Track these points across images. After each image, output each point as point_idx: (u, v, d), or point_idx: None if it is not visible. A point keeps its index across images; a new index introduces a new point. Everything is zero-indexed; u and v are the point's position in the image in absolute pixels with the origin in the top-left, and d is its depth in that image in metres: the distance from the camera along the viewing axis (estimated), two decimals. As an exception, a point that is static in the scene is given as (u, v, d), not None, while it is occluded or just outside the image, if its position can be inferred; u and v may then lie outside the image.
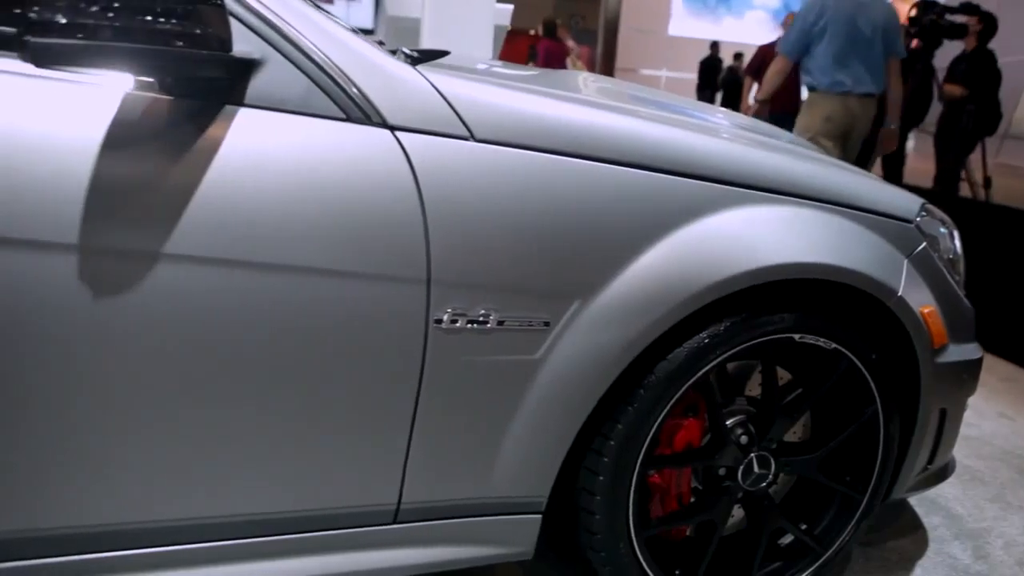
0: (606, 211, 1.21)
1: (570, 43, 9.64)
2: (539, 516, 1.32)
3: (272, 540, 1.19)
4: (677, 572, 1.47)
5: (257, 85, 1.05)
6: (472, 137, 1.14)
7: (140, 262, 1.00)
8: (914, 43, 5.51)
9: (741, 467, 1.45)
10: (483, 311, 1.15)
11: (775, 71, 4.09)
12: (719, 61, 12.70)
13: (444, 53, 1.59)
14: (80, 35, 0.86)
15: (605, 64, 16.32)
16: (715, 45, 12.85)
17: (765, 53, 6.64)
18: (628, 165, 1.23)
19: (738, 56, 13.19)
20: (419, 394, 1.16)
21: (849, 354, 1.45)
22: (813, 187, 1.41)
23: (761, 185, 1.34)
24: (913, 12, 5.33)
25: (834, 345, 1.43)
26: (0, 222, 0.93)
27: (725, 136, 1.44)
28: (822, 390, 1.48)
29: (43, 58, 0.87)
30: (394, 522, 1.24)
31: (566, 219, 1.18)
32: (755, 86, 6.33)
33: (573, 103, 1.29)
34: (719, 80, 12.30)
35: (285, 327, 1.07)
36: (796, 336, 1.39)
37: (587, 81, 1.99)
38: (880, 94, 3.99)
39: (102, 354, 1.01)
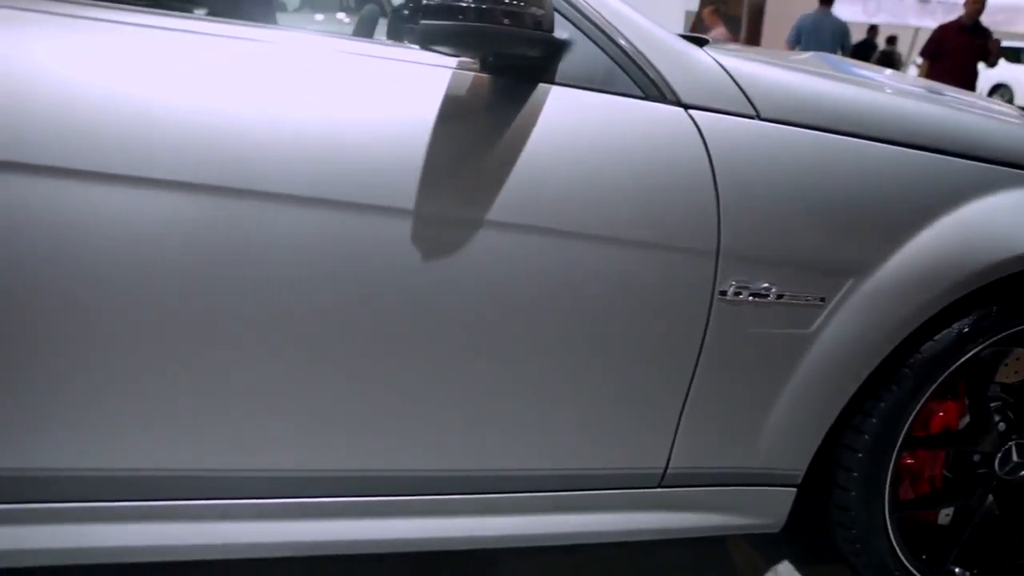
0: (884, 191, 1.21)
1: (720, 29, 9.45)
2: (794, 489, 1.35)
3: (545, 496, 1.27)
4: (924, 556, 1.46)
5: (567, 65, 1.13)
6: (758, 116, 1.17)
7: (462, 227, 1.09)
8: None
9: (999, 454, 1.42)
10: (765, 284, 1.18)
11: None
12: (874, 45, 12.17)
13: (704, 40, 1.63)
14: (459, 17, 0.96)
15: (749, 51, 15.83)
16: (873, 29, 12.36)
17: (943, 35, 6.27)
18: (906, 145, 1.23)
19: (891, 40, 12.57)
20: (698, 362, 1.21)
21: (1124, 344, 1.39)
22: None
23: None
24: None
25: (1109, 334, 1.37)
26: (350, 189, 1.05)
27: (994, 116, 1.41)
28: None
29: (428, 39, 0.98)
30: (659, 486, 1.30)
31: (846, 197, 1.20)
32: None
33: (848, 84, 1.30)
34: (871, 63, 11.81)
35: (582, 292, 1.14)
36: (1069, 323, 1.35)
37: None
38: None
39: (426, 309, 1.11)
